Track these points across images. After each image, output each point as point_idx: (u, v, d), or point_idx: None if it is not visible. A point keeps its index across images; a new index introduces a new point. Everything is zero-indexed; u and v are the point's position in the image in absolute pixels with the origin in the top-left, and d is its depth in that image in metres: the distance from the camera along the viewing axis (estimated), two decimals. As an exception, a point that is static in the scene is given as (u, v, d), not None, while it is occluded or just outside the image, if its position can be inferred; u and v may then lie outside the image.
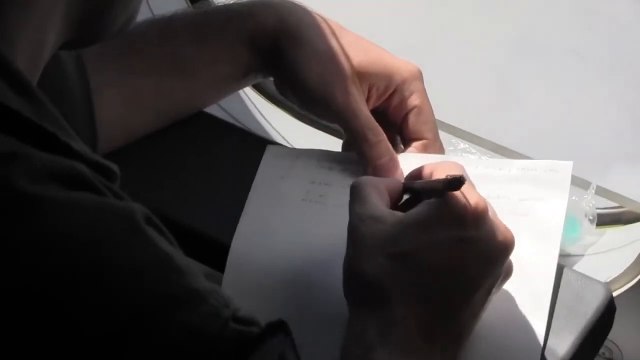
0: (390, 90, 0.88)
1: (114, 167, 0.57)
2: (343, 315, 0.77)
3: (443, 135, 0.92)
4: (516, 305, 0.76)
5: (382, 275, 0.70)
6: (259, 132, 1.00)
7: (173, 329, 0.47)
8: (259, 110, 1.18)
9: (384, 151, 0.85)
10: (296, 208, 0.86)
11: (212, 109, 0.97)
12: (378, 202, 0.73)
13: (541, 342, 0.75)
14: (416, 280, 0.70)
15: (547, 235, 0.79)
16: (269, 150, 0.91)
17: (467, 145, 1.00)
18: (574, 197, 0.97)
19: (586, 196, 0.98)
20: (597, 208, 0.99)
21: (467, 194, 0.70)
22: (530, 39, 2.04)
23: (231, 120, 1.06)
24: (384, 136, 0.86)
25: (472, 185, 0.71)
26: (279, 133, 1.17)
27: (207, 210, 0.88)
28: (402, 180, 0.80)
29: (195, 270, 0.51)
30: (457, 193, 0.69)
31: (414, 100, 0.88)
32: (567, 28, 2.06)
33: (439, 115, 0.91)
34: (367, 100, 0.88)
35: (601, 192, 1.04)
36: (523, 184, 0.82)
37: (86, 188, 0.51)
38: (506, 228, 0.72)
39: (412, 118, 0.89)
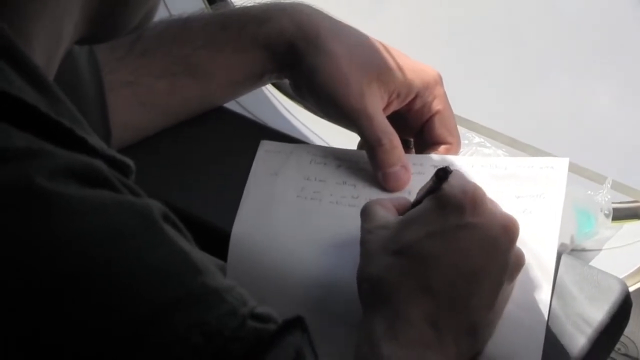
0: (412, 95, 0.88)
1: (130, 162, 0.56)
2: (343, 308, 0.78)
3: (458, 129, 0.92)
4: (516, 301, 0.77)
5: (385, 272, 0.71)
6: (281, 128, 1.00)
7: (189, 328, 0.47)
8: (284, 106, 1.18)
9: (396, 159, 0.85)
10: (292, 205, 0.86)
11: (230, 104, 0.98)
12: (384, 214, 0.75)
13: (542, 337, 0.75)
14: (418, 272, 0.70)
15: (545, 231, 0.80)
16: (262, 146, 0.91)
17: (481, 139, 1.00)
18: (589, 192, 0.97)
19: (602, 190, 0.97)
20: (613, 202, 0.98)
21: (461, 183, 0.71)
22: (548, 33, 2.03)
23: (248, 115, 1.06)
24: (399, 142, 0.86)
25: (464, 175, 0.73)
26: (309, 129, 1.17)
27: (221, 204, 0.89)
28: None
29: (213, 267, 0.51)
30: (451, 183, 0.70)
31: (436, 105, 0.89)
32: (585, 24, 2.05)
33: (454, 108, 0.90)
34: (389, 105, 0.88)
35: (617, 186, 1.04)
36: (519, 181, 0.83)
37: (103, 185, 0.50)
38: (507, 214, 0.73)
39: (436, 123, 0.89)
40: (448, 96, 0.90)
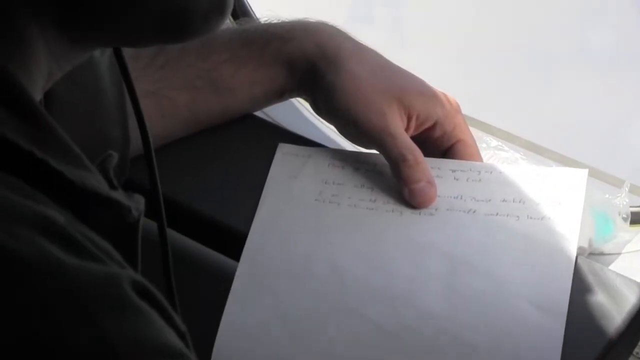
0: (431, 122, 0.88)
1: (130, 202, 0.54)
2: (360, 310, 0.78)
3: (476, 132, 0.92)
4: (535, 304, 0.77)
5: None
6: (301, 130, 1.00)
7: None
8: (305, 107, 1.18)
9: (422, 174, 0.85)
10: (310, 208, 0.87)
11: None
12: None
13: (561, 339, 0.75)
14: None
15: (564, 239, 0.80)
16: (280, 149, 0.92)
17: (499, 143, 1.00)
18: (607, 195, 0.97)
19: (620, 194, 0.97)
20: (631, 206, 0.98)
21: None
22: (566, 37, 2.03)
23: (266, 118, 1.06)
24: (423, 158, 0.86)
25: None
26: (331, 129, 1.17)
27: (239, 206, 0.89)
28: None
29: (175, 349, 0.46)
30: None
31: (458, 134, 0.89)
32: (604, 26, 2.05)
33: (472, 112, 0.91)
34: (406, 129, 0.88)
35: (635, 190, 1.03)
36: (539, 189, 0.84)
37: (57, 241, 0.46)
38: None
39: (459, 151, 0.89)
40: (467, 100, 0.90)
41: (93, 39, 0.57)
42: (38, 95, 0.55)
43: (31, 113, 0.50)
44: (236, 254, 0.85)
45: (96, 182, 0.52)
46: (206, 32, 0.57)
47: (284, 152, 0.92)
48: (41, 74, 0.55)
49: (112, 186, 0.55)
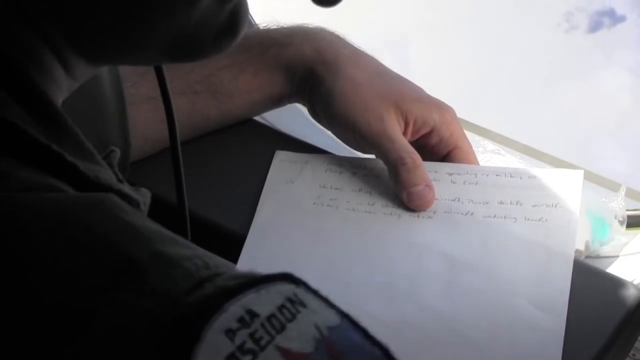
0: (428, 128, 0.89)
1: (138, 196, 0.55)
2: (358, 312, 0.79)
3: (472, 136, 0.93)
4: (534, 308, 0.77)
5: None
6: (300, 134, 1.01)
7: (138, 297, 0.44)
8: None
9: (420, 177, 0.85)
10: (308, 210, 0.87)
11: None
12: None
13: (560, 346, 0.75)
14: None
15: (562, 239, 0.80)
16: (277, 156, 0.92)
17: (496, 147, 1.00)
18: (603, 199, 0.97)
19: (616, 198, 0.98)
20: (627, 210, 0.99)
21: None
22: (560, 41, 2.03)
23: (264, 122, 1.07)
24: (422, 162, 0.86)
25: None
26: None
27: (237, 210, 0.89)
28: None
29: (175, 240, 0.49)
30: None
31: (455, 141, 0.89)
32: (597, 30, 2.05)
33: (469, 116, 0.91)
34: (404, 134, 0.88)
35: (631, 193, 1.04)
36: (535, 190, 0.84)
37: None
38: None
39: (456, 158, 0.90)
40: (463, 104, 0.90)
41: (108, 63, 0.61)
42: (59, 102, 0.57)
43: (49, 110, 0.52)
44: (234, 258, 0.86)
45: (108, 176, 0.54)
46: (216, 54, 0.57)
47: (281, 159, 0.92)
48: (60, 89, 0.56)
49: (118, 180, 0.56)
